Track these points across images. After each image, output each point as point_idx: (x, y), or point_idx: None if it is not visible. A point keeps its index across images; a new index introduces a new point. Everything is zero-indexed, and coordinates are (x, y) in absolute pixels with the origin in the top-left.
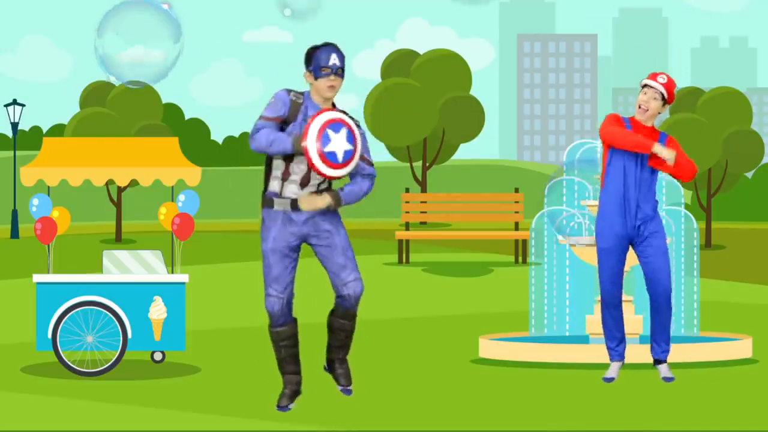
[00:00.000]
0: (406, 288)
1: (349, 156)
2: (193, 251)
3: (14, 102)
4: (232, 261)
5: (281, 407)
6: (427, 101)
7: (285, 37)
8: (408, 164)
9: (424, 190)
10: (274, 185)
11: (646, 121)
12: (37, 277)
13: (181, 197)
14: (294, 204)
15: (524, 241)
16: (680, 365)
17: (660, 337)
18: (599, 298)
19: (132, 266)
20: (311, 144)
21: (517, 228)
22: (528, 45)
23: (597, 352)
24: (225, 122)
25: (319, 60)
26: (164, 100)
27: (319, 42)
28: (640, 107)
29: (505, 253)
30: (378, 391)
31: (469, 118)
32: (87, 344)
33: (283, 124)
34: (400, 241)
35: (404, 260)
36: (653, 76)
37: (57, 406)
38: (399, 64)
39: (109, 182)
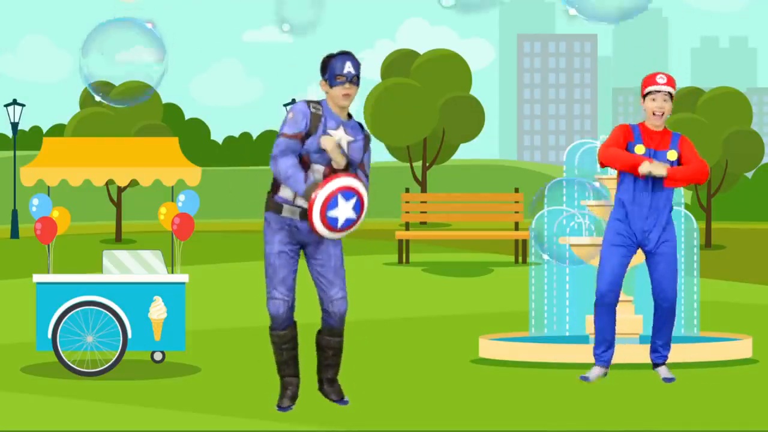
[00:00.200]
0: (406, 288)
1: (348, 224)
2: (193, 251)
3: (14, 102)
4: (232, 261)
5: (282, 408)
6: (427, 101)
7: (285, 37)
8: (408, 164)
9: (424, 190)
10: (287, 192)
11: (659, 126)
12: (37, 277)
13: (181, 197)
14: (303, 214)
15: (524, 241)
16: (680, 365)
17: (661, 343)
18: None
19: (132, 266)
20: (317, 206)
21: (517, 228)
22: (528, 45)
23: None
24: (225, 122)
25: (334, 68)
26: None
27: (319, 43)
28: (654, 114)
29: (505, 253)
30: (378, 391)
31: (469, 118)
32: (87, 344)
33: (304, 139)
34: (400, 241)
35: (404, 260)
36: (653, 81)
37: (57, 406)
38: (399, 64)
39: (109, 182)
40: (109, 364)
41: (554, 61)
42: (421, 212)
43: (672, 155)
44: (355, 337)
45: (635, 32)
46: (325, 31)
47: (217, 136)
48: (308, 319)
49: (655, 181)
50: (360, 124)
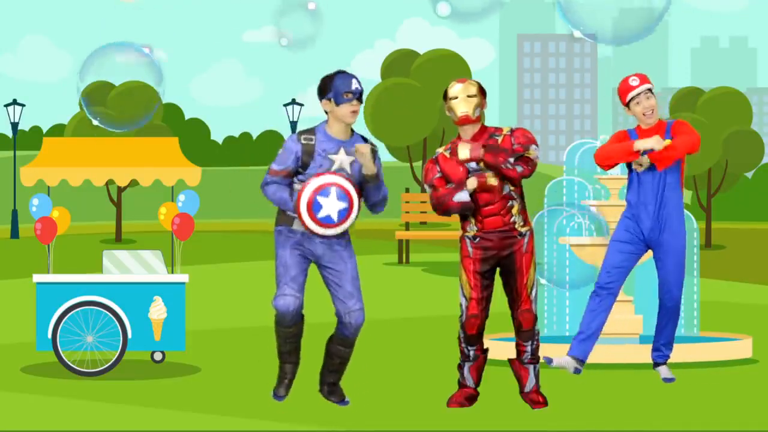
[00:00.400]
0: (406, 288)
1: (345, 213)
2: (193, 251)
3: (14, 102)
4: (232, 261)
5: (278, 396)
6: (427, 101)
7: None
8: (408, 164)
9: (424, 190)
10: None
11: (653, 123)
12: (37, 277)
13: (181, 197)
14: None
15: None
16: (680, 365)
17: (663, 342)
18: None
19: (132, 266)
20: (305, 216)
21: None
22: (528, 45)
23: (597, 353)
24: (225, 122)
25: (341, 86)
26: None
27: (319, 43)
28: (644, 115)
29: None
30: (378, 391)
31: None
32: (87, 344)
33: (299, 170)
34: (400, 241)
35: (404, 260)
36: (629, 87)
37: (57, 406)
38: (399, 64)
39: (109, 182)
40: (109, 364)
41: (554, 61)
42: (421, 212)
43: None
44: (355, 342)
45: None
46: (325, 31)
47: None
48: (313, 319)
49: (660, 180)
50: (364, 138)
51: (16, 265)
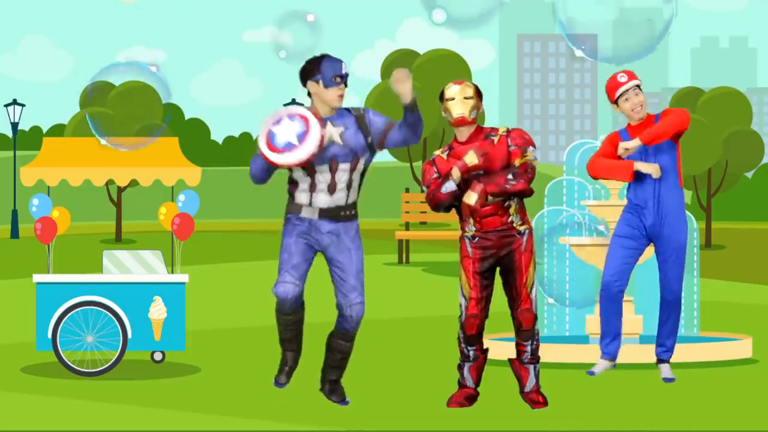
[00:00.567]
0: (406, 288)
1: (303, 133)
2: (193, 251)
3: (14, 102)
4: (232, 261)
5: (279, 383)
6: (428, 101)
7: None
8: (408, 164)
9: (423, 191)
10: (302, 197)
11: (641, 119)
12: (37, 277)
13: (181, 197)
14: (321, 212)
15: None
16: (680, 365)
17: (665, 337)
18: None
19: (132, 266)
20: (266, 151)
21: None
22: (528, 45)
23: (597, 352)
24: (225, 122)
25: (330, 70)
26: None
27: (319, 43)
28: (633, 111)
29: None
30: (378, 391)
31: None
32: (87, 344)
33: None
34: (400, 241)
35: (404, 260)
36: (617, 83)
37: (57, 406)
38: (399, 64)
39: (109, 182)
40: (109, 364)
41: (554, 61)
42: (421, 212)
43: (657, 174)
44: (356, 336)
45: None
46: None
47: (217, 136)
48: (317, 319)
49: (657, 179)
50: (348, 110)
51: (16, 265)
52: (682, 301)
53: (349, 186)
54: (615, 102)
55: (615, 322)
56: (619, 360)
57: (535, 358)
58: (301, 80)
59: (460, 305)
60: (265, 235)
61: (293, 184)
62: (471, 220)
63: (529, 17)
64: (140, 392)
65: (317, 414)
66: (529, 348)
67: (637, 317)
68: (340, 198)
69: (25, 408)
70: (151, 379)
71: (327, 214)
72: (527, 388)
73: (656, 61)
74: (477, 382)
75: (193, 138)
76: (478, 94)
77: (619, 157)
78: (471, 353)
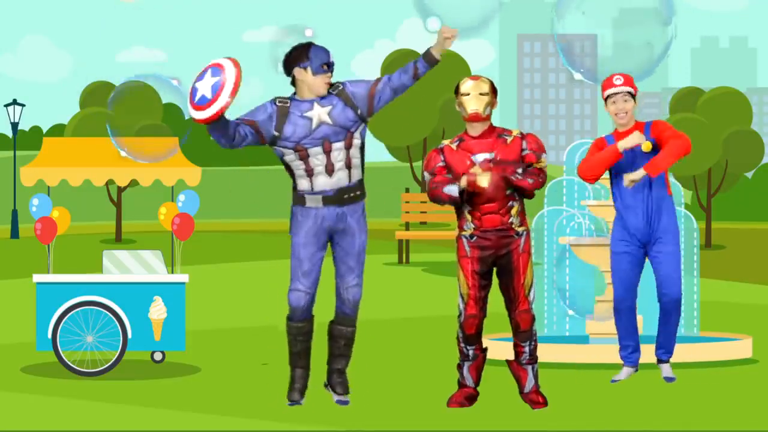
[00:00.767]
0: (406, 288)
1: (218, 86)
2: (193, 251)
3: (14, 102)
4: (232, 261)
5: (294, 402)
6: (427, 101)
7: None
8: (408, 164)
9: (424, 190)
10: (303, 183)
11: (627, 126)
12: (37, 277)
13: (181, 197)
14: (325, 200)
15: None
16: (680, 365)
17: (665, 339)
18: (599, 297)
19: (132, 266)
20: (189, 107)
21: None
22: (528, 45)
23: (597, 352)
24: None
25: (319, 57)
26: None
27: (320, 43)
28: (617, 115)
29: None
30: (378, 391)
31: None
32: (87, 344)
33: (275, 134)
34: (400, 241)
35: (404, 260)
36: (609, 82)
37: (57, 406)
38: (399, 64)
39: (109, 182)
40: (109, 364)
41: (554, 61)
42: (421, 212)
43: (647, 147)
44: (356, 336)
45: None
46: (325, 31)
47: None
48: (318, 319)
49: (643, 182)
50: (329, 89)
51: (16, 265)
52: (683, 300)
53: (348, 165)
54: (606, 100)
55: (633, 333)
56: (620, 360)
57: (533, 359)
58: (286, 67)
59: (459, 305)
60: (265, 235)
61: (290, 170)
62: (470, 217)
63: (529, 17)
64: (140, 392)
65: (317, 414)
66: (527, 349)
67: (638, 317)
68: (341, 179)
69: (25, 408)
70: (151, 379)
71: (331, 200)
72: (527, 389)
73: (675, 17)
74: (477, 382)
75: (193, 138)
76: (494, 90)
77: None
78: (470, 352)
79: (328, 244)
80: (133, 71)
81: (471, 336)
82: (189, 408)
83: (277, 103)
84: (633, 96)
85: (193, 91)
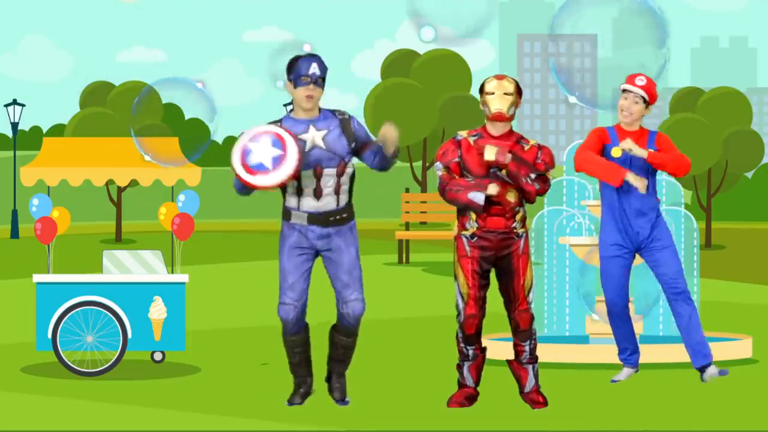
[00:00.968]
0: (406, 288)
1: (278, 160)
2: (193, 251)
3: (14, 102)
4: (232, 261)
5: (292, 403)
6: (427, 101)
7: (285, 37)
8: (408, 164)
9: (424, 190)
10: (291, 200)
11: (630, 125)
12: (37, 277)
13: (181, 197)
14: (310, 218)
15: None
16: (680, 365)
17: (695, 342)
18: (599, 297)
19: (132, 266)
20: (237, 165)
21: None
22: (528, 45)
23: (597, 352)
24: (225, 122)
25: (300, 69)
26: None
27: (320, 43)
28: (621, 111)
29: None
30: (378, 391)
31: (469, 118)
32: (87, 344)
33: None
34: (400, 241)
35: (404, 260)
36: (631, 79)
37: (57, 406)
38: (399, 64)
39: (109, 182)
40: (109, 364)
41: (554, 61)
42: (421, 212)
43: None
44: (358, 333)
45: None
46: (326, 30)
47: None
48: (320, 318)
49: (631, 185)
50: (333, 112)
51: (16, 265)
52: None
53: (337, 191)
54: (622, 91)
55: (629, 335)
56: (619, 360)
57: (533, 358)
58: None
59: (457, 305)
60: (265, 235)
61: (282, 186)
62: (473, 216)
63: (529, 17)
64: (140, 392)
65: (317, 414)
66: (527, 348)
67: (637, 317)
68: (328, 203)
69: (25, 408)
70: (151, 379)
71: (315, 220)
72: (527, 389)
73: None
74: (477, 382)
75: (193, 138)
76: (518, 91)
77: (612, 157)
78: (470, 352)
79: (318, 257)
80: (133, 71)
81: (471, 336)
82: (189, 408)
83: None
84: (646, 102)
85: (246, 151)
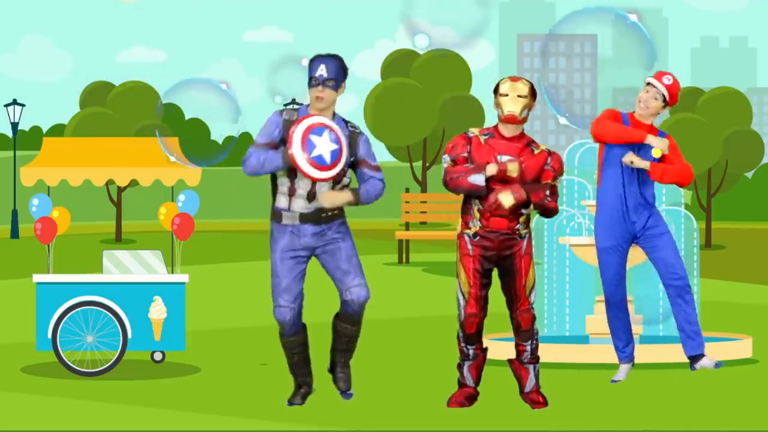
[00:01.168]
0: (406, 288)
1: (336, 155)
2: (193, 251)
3: (14, 102)
4: (232, 261)
5: (292, 404)
6: (427, 101)
7: (285, 36)
8: (408, 164)
9: (424, 190)
10: (282, 201)
11: (645, 119)
12: (37, 277)
13: (181, 197)
14: (302, 218)
15: None
16: (680, 365)
17: (689, 329)
18: (599, 297)
19: (132, 266)
20: (297, 153)
21: None
22: (528, 45)
23: (597, 352)
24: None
25: (311, 70)
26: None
27: (320, 43)
28: (639, 101)
29: None
30: (378, 391)
31: (469, 118)
32: (87, 344)
33: (279, 145)
34: (400, 241)
35: (404, 260)
36: (659, 76)
37: (57, 406)
38: (399, 64)
39: (109, 182)
40: (109, 364)
41: (554, 61)
42: (421, 212)
43: (656, 153)
44: (362, 321)
45: None
46: (326, 30)
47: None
48: (313, 319)
49: (633, 176)
50: (346, 122)
51: (16, 265)
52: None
53: (343, 188)
54: (646, 84)
55: (626, 327)
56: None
57: (534, 358)
58: None
59: (458, 304)
60: (265, 235)
61: (274, 183)
62: (477, 215)
63: (529, 17)
64: (140, 392)
65: (317, 414)
66: (528, 348)
67: (637, 317)
68: (319, 204)
69: (25, 408)
70: (151, 379)
71: (307, 218)
72: (527, 389)
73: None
74: (477, 381)
75: (193, 138)
76: (533, 93)
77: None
78: (471, 352)
79: (312, 257)
80: (133, 71)
81: (471, 335)
82: (189, 408)
83: (284, 117)
84: (665, 101)
85: (309, 143)
